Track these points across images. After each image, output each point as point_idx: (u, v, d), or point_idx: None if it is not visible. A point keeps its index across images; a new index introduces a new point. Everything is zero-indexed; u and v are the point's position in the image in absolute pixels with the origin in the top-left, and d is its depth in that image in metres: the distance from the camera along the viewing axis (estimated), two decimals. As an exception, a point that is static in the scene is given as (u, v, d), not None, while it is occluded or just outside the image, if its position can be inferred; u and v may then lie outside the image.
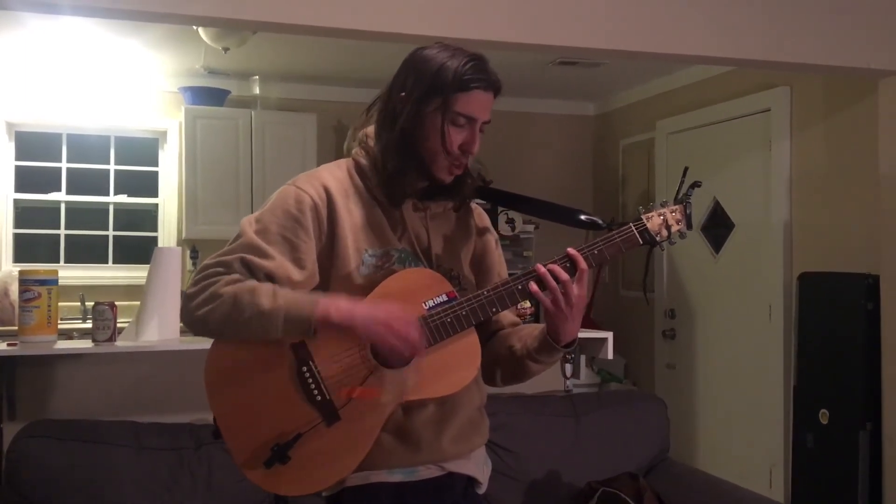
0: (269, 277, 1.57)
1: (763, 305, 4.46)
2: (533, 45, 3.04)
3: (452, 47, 1.66)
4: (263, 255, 1.58)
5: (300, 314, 1.52)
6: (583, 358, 3.44)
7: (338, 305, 1.54)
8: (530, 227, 5.37)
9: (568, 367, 3.32)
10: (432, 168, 1.67)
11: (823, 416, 3.83)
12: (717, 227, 4.84)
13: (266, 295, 1.52)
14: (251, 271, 1.57)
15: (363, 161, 1.71)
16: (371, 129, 1.73)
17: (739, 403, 4.64)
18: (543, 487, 2.92)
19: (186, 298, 1.58)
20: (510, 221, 5.27)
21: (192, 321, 1.58)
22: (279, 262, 1.58)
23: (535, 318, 4.68)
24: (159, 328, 2.87)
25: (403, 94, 1.65)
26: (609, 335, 3.20)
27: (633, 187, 5.88)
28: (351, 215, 1.66)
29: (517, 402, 3.02)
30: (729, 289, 4.76)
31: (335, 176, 1.70)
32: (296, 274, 1.60)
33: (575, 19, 3.04)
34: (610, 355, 3.22)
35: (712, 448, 4.86)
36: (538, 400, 3.11)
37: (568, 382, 3.42)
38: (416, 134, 1.65)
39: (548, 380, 2.97)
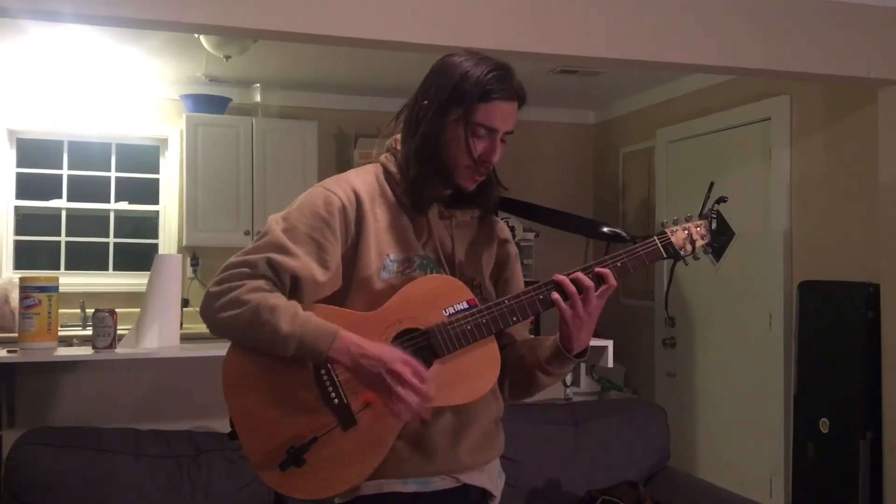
0: (294, 278, 1.57)
1: (763, 314, 4.46)
2: (533, 53, 3.04)
3: (479, 55, 1.67)
4: (289, 254, 1.58)
5: (315, 347, 1.52)
6: (583, 366, 3.44)
7: (349, 350, 1.52)
8: (531, 235, 5.37)
9: (568, 375, 3.32)
10: (454, 176, 1.67)
11: (824, 425, 3.82)
12: (717, 235, 4.83)
13: (286, 316, 1.52)
14: (276, 272, 1.57)
15: (391, 167, 1.72)
16: (399, 136, 1.74)
17: (740, 412, 4.64)
18: (543, 496, 2.92)
19: (209, 297, 1.58)
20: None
21: (212, 322, 1.58)
22: (304, 261, 1.58)
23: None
24: (159, 335, 2.87)
25: (426, 101, 1.67)
26: (609, 343, 3.20)
27: (634, 196, 5.88)
28: (377, 220, 1.66)
29: (517, 411, 3.01)
30: (729, 297, 4.76)
31: (364, 180, 1.70)
32: (320, 275, 1.60)
33: (575, 28, 3.05)
34: (610, 363, 3.22)
35: (712, 456, 4.85)
36: (538, 408, 3.11)
37: (568, 391, 3.42)
38: (438, 142, 1.65)
39: (548, 388, 2.97)
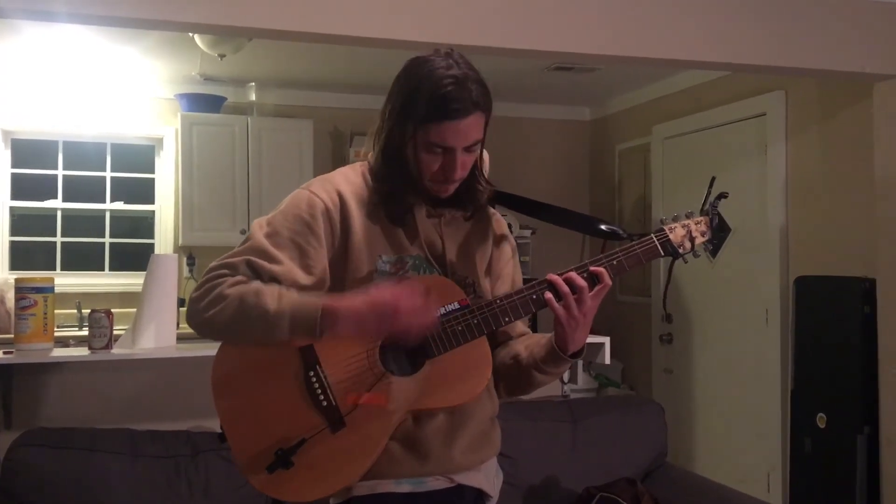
0: (275, 282, 1.55)
1: (760, 309, 4.46)
2: (528, 50, 3.04)
3: (443, 60, 1.59)
4: (271, 258, 1.57)
5: (306, 315, 1.50)
6: (580, 363, 3.44)
7: (339, 307, 1.50)
8: (527, 233, 5.37)
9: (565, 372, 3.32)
10: (422, 187, 1.65)
11: (821, 420, 3.83)
12: (717, 232, 4.83)
13: (271, 296, 1.51)
14: (257, 274, 1.56)
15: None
16: None
17: (737, 408, 4.64)
18: (541, 493, 2.92)
19: (192, 302, 1.57)
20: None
21: (198, 323, 1.57)
22: (287, 266, 1.57)
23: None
24: (156, 335, 2.87)
25: (389, 111, 1.64)
26: (606, 340, 3.20)
27: (630, 192, 5.88)
28: (364, 221, 1.64)
29: (514, 408, 3.01)
30: (726, 293, 4.76)
31: (350, 180, 1.68)
32: (303, 279, 1.58)
33: (570, 24, 3.04)
34: (607, 360, 3.22)
35: (710, 452, 4.86)
36: (535, 405, 3.11)
37: (565, 387, 3.42)
38: (402, 154, 1.63)
39: (545, 385, 2.98)
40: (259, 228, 1.61)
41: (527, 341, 1.77)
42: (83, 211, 5.65)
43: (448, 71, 1.57)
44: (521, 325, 1.82)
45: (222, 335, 1.58)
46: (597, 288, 1.62)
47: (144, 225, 5.76)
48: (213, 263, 1.60)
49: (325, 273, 1.62)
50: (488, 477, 1.73)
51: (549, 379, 1.73)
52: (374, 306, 1.48)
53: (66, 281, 5.06)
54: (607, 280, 1.62)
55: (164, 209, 5.68)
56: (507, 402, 1.82)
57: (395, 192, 1.65)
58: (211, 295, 1.54)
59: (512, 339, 1.80)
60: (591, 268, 1.62)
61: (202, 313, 1.55)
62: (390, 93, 1.65)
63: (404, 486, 1.61)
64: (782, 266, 4.32)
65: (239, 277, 1.55)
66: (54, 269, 5.50)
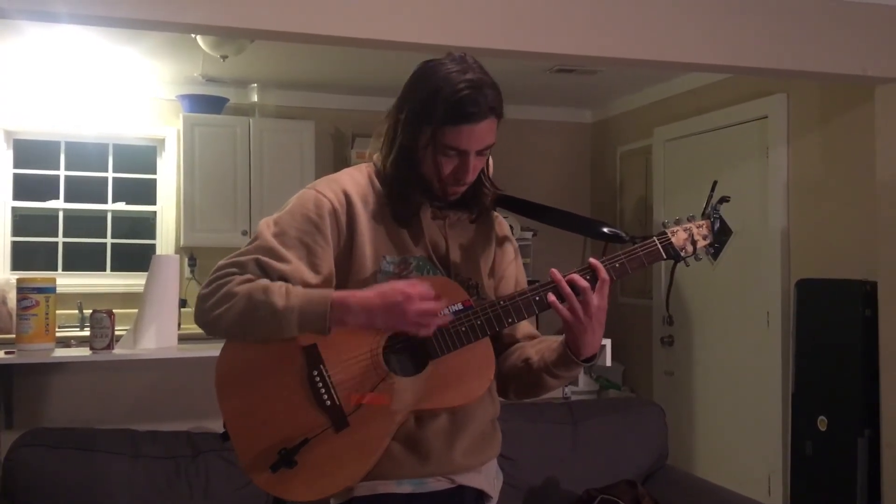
0: (284, 281, 1.57)
1: (761, 312, 4.46)
2: (529, 52, 3.04)
3: (458, 64, 1.61)
4: (279, 258, 1.58)
5: (315, 311, 1.52)
6: (581, 365, 3.43)
7: (350, 298, 1.54)
8: (528, 234, 5.37)
9: (570, 374, 3.32)
10: (433, 189, 1.67)
11: (822, 423, 3.83)
12: (719, 235, 4.83)
13: (279, 293, 1.52)
14: (266, 273, 1.57)
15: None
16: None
17: (738, 410, 4.64)
18: (541, 495, 2.92)
19: (200, 299, 1.58)
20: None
21: (206, 322, 1.58)
22: (295, 265, 1.58)
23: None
24: (157, 336, 2.87)
25: (402, 115, 1.65)
26: (607, 342, 3.19)
27: (631, 194, 5.88)
28: (370, 221, 1.65)
29: (515, 410, 3.01)
30: (727, 295, 4.76)
31: (356, 181, 1.69)
32: (311, 278, 1.59)
33: (572, 27, 3.05)
34: (608, 362, 3.22)
35: (711, 455, 4.85)
36: (536, 407, 3.11)
37: (566, 389, 3.42)
38: (414, 157, 1.64)
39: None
40: (267, 228, 1.62)
41: (539, 345, 1.76)
42: (85, 211, 5.66)
43: (464, 75, 1.59)
44: (527, 327, 1.82)
45: (230, 333, 1.59)
46: (596, 285, 1.61)
47: (146, 226, 5.76)
48: (222, 262, 1.60)
49: (332, 272, 1.63)
50: (489, 478, 1.74)
51: (560, 383, 1.74)
52: (384, 298, 1.52)
53: (68, 281, 5.06)
54: (603, 274, 1.61)
55: (166, 210, 5.69)
56: (513, 402, 1.82)
57: (405, 194, 1.66)
58: (219, 294, 1.55)
59: (518, 342, 1.80)
60: (590, 260, 1.63)
61: (210, 312, 1.56)
62: (404, 96, 1.66)
63: (405, 487, 1.61)
64: (783, 269, 4.32)
65: (247, 276, 1.56)
66: (56, 270, 5.51)
